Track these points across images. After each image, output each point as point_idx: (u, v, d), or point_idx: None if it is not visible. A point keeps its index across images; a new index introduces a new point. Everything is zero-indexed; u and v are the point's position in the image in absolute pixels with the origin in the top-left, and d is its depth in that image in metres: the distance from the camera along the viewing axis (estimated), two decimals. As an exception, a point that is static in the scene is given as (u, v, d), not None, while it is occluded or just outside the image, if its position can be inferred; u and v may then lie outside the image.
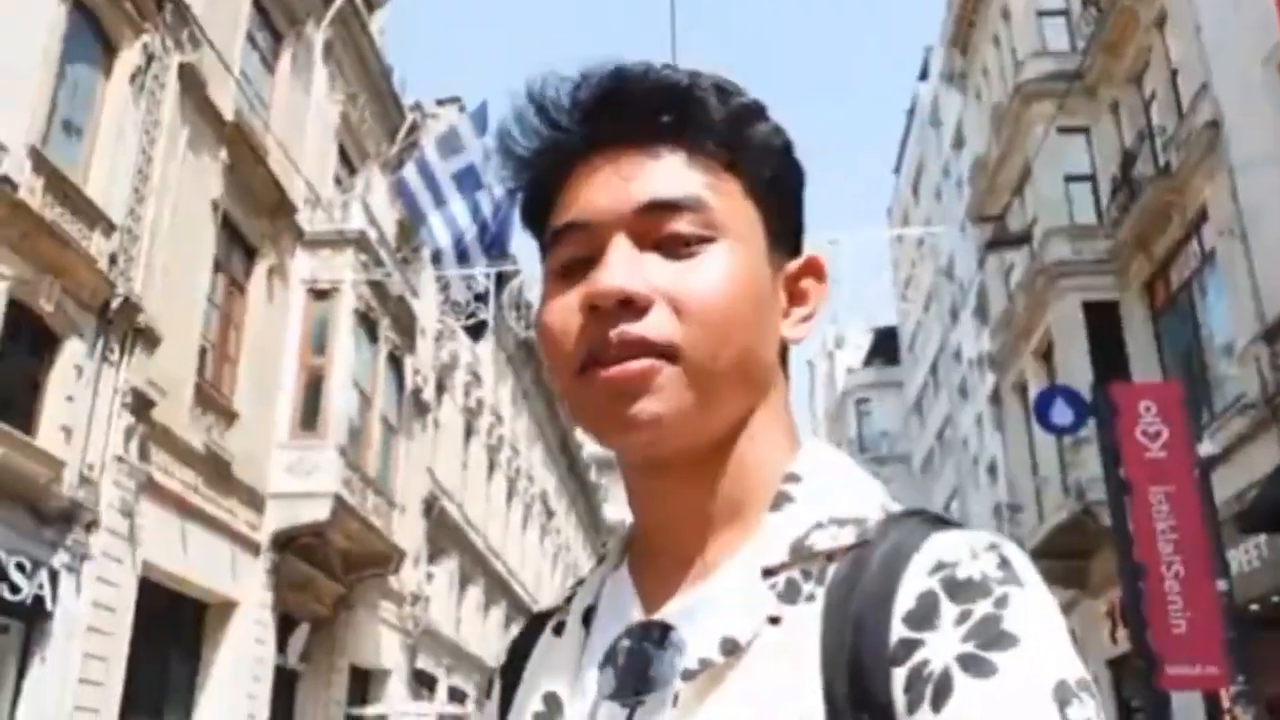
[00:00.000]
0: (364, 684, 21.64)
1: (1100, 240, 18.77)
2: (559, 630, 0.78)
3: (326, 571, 18.80)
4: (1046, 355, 20.21)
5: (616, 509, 68.22)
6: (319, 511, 17.25)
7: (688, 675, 0.65)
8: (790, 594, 0.65)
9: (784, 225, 0.75)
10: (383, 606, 22.08)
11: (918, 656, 0.59)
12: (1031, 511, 21.69)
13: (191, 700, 15.80)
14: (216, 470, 15.61)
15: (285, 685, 18.00)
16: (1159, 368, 17.15)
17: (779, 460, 0.72)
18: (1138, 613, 9.81)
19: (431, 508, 25.18)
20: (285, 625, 17.89)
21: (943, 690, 0.57)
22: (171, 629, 15.07)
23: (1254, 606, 12.84)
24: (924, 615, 0.60)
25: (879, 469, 48.64)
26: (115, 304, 13.01)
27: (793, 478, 0.71)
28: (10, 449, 11.13)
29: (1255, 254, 13.96)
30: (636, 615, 0.71)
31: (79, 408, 12.53)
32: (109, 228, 13.05)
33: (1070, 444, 17.25)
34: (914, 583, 0.62)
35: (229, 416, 16.22)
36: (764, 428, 0.72)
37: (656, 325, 0.67)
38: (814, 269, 0.77)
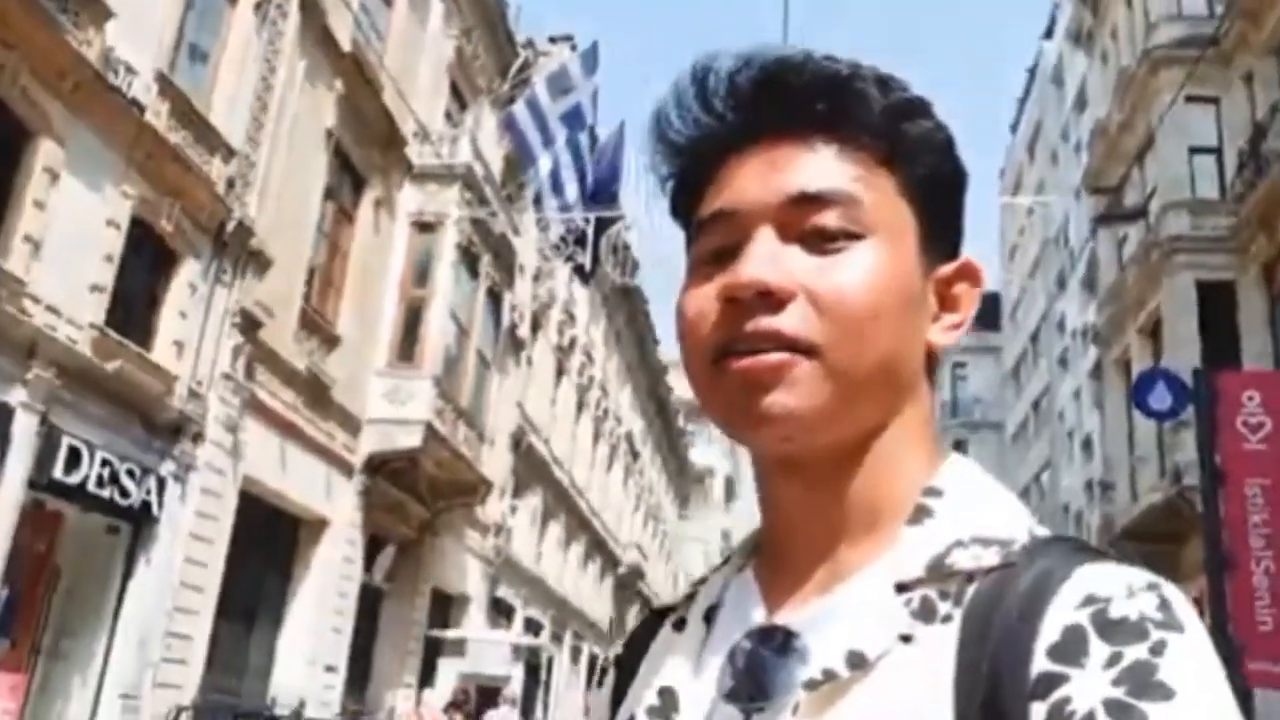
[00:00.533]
0: (445, 608, 22.32)
1: (1221, 216, 18.03)
2: (679, 626, 0.76)
3: (415, 497, 19.36)
4: (1154, 333, 19.60)
5: (703, 454, 68.50)
6: (412, 438, 17.74)
7: (811, 685, 0.63)
8: (925, 613, 0.63)
9: (939, 226, 0.72)
10: (467, 535, 22.68)
11: (1059, 693, 0.56)
12: (1125, 490, 21.21)
13: (282, 610, 16.52)
14: (316, 392, 16.15)
15: (370, 603, 18.68)
16: (1271, 355, 16.51)
17: (918, 472, 0.69)
18: (1220, 605, 9.59)
19: (519, 442, 25.67)
20: (373, 545, 18.52)
21: None
22: (267, 542, 15.73)
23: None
24: (1070, 650, 0.57)
25: (970, 434, 47.86)
26: (230, 227, 13.46)
27: (933, 491, 0.68)
28: (128, 361, 11.68)
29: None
30: (760, 618, 0.69)
31: (191, 325, 13.05)
32: (228, 153, 13.47)
33: (1170, 426, 16.75)
34: (1061, 614, 0.58)
35: (331, 341, 16.72)
36: (903, 436, 0.69)
37: (794, 320, 0.65)
38: (969, 274, 0.73)
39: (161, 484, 12.56)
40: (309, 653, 16.40)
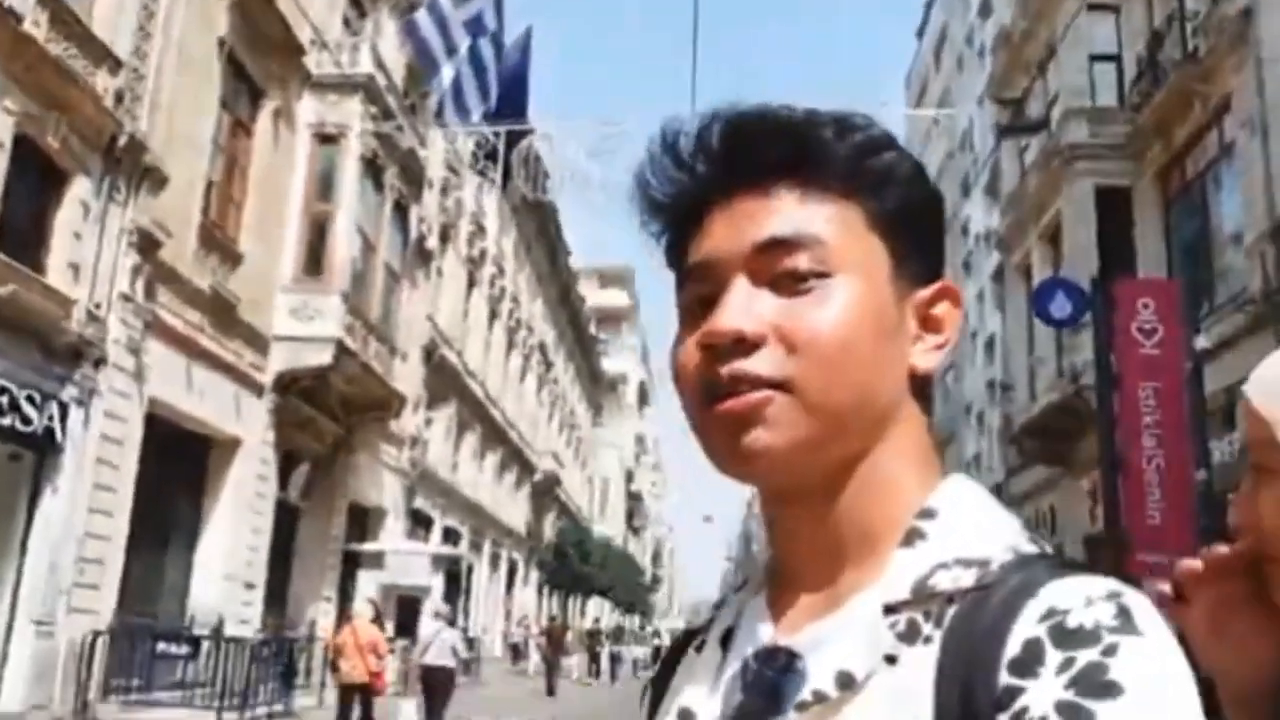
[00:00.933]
0: (362, 522, 22.34)
1: (1119, 124, 18.46)
2: (700, 649, 0.80)
3: (328, 413, 19.19)
4: (1054, 238, 20.14)
5: (615, 363, 68.89)
6: (321, 356, 17.50)
7: (801, 706, 0.67)
8: (910, 634, 0.65)
9: (913, 253, 0.74)
10: (382, 449, 22.61)
11: (1019, 703, 0.59)
12: (1024, 391, 21.98)
13: (197, 530, 16.37)
14: (221, 311, 15.77)
15: (286, 520, 18.60)
16: (1165, 258, 17.13)
17: (913, 493, 0.72)
18: (1113, 501, 10.10)
19: (432, 355, 25.50)
20: (287, 463, 18.37)
21: None
22: (178, 463, 15.50)
23: (1231, 495, 13.19)
24: (1028, 662, 0.59)
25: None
26: (121, 142, 12.90)
27: (928, 513, 0.70)
28: (20, 285, 11.24)
29: (1274, 149, 13.80)
30: (767, 639, 0.73)
31: (86, 246, 12.58)
32: (115, 65, 12.84)
33: (1069, 329, 17.36)
34: (1023, 629, 0.61)
35: (234, 259, 16.28)
36: (893, 459, 0.72)
37: (766, 361, 0.68)
38: (948, 294, 0.76)
39: (64, 410, 12.23)
40: (226, 571, 16.33)
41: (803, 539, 0.74)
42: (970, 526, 0.70)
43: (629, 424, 75.22)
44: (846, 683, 0.66)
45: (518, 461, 37.84)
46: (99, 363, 12.79)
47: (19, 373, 11.52)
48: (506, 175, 15.20)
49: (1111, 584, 0.62)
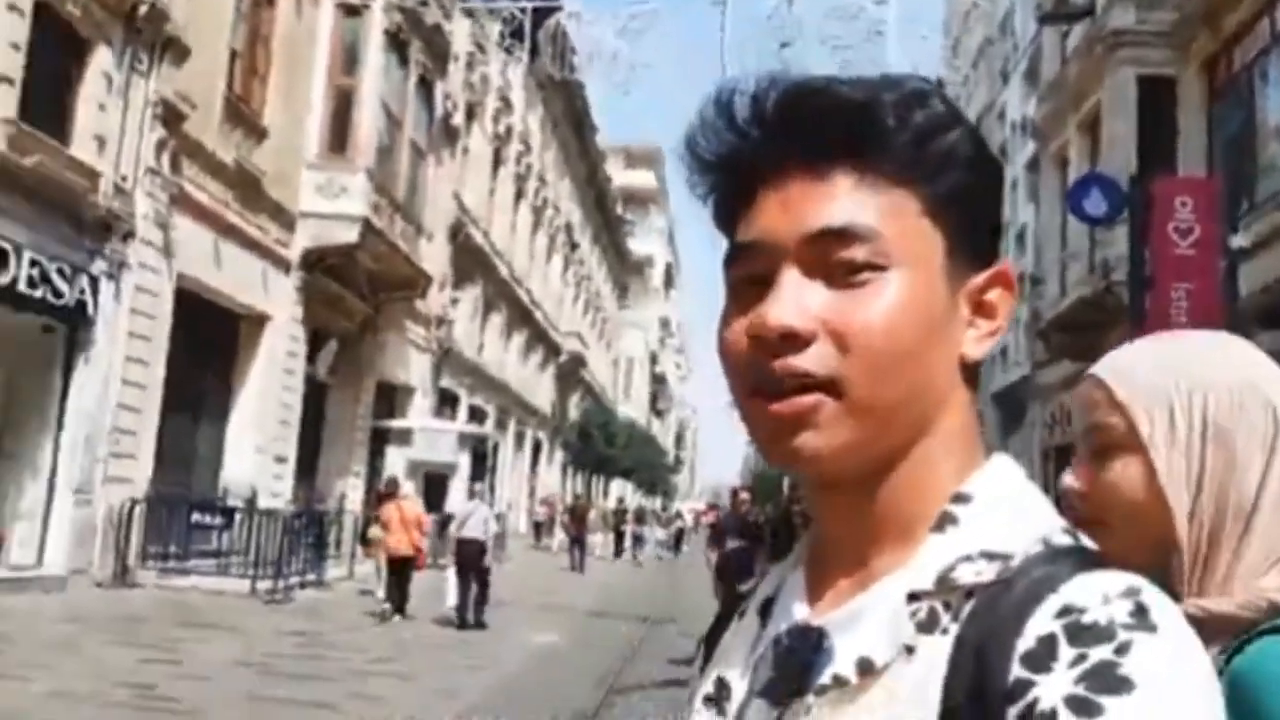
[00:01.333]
0: (390, 399, 22.66)
1: (1167, 11, 17.78)
2: (743, 615, 0.81)
3: (355, 291, 19.28)
4: (1093, 129, 19.63)
5: (642, 244, 68.51)
6: (348, 233, 17.50)
7: (820, 690, 0.68)
8: (929, 624, 0.66)
9: (969, 236, 0.72)
10: (409, 327, 22.77)
11: (1029, 696, 0.59)
12: (1055, 284, 21.76)
13: (228, 404, 16.66)
14: (247, 186, 15.72)
15: (315, 396, 18.88)
16: (1206, 153, 16.69)
17: (951, 479, 0.71)
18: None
19: (458, 234, 25.44)
20: (315, 340, 18.56)
21: None
22: (208, 338, 15.68)
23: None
24: (1041, 657, 0.60)
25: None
26: (142, 11, 12.68)
27: (962, 498, 0.70)
28: (46, 155, 11.23)
29: (1328, 40, 13.30)
30: (801, 615, 0.74)
31: (111, 118, 12.50)
32: (135, -72, 12.54)
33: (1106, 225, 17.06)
34: (1039, 625, 0.61)
35: (259, 133, 16.15)
36: (936, 449, 0.72)
37: (818, 359, 0.67)
38: (1002, 280, 0.74)
39: (95, 283, 12.35)
40: (257, 444, 16.67)
41: (843, 521, 0.73)
42: (1002, 515, 0.69)
43: (654, 306, 75.24)
44: (866, 668, 0.66)
45: (543, 342, 38.05)
46: (127, 236, 12.85)
47: (49, 245, 11.60)
48: (533, 52, 14.89)
49: (1131, 580, 0.62)
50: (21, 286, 11.20)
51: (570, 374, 43.41)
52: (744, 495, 11.44)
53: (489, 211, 28.85)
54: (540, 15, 14.57)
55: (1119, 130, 17.88)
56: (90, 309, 12.30)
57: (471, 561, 12.82)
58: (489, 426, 30.05)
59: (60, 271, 11.75)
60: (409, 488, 13.50)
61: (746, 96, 0.73)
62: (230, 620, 11.25)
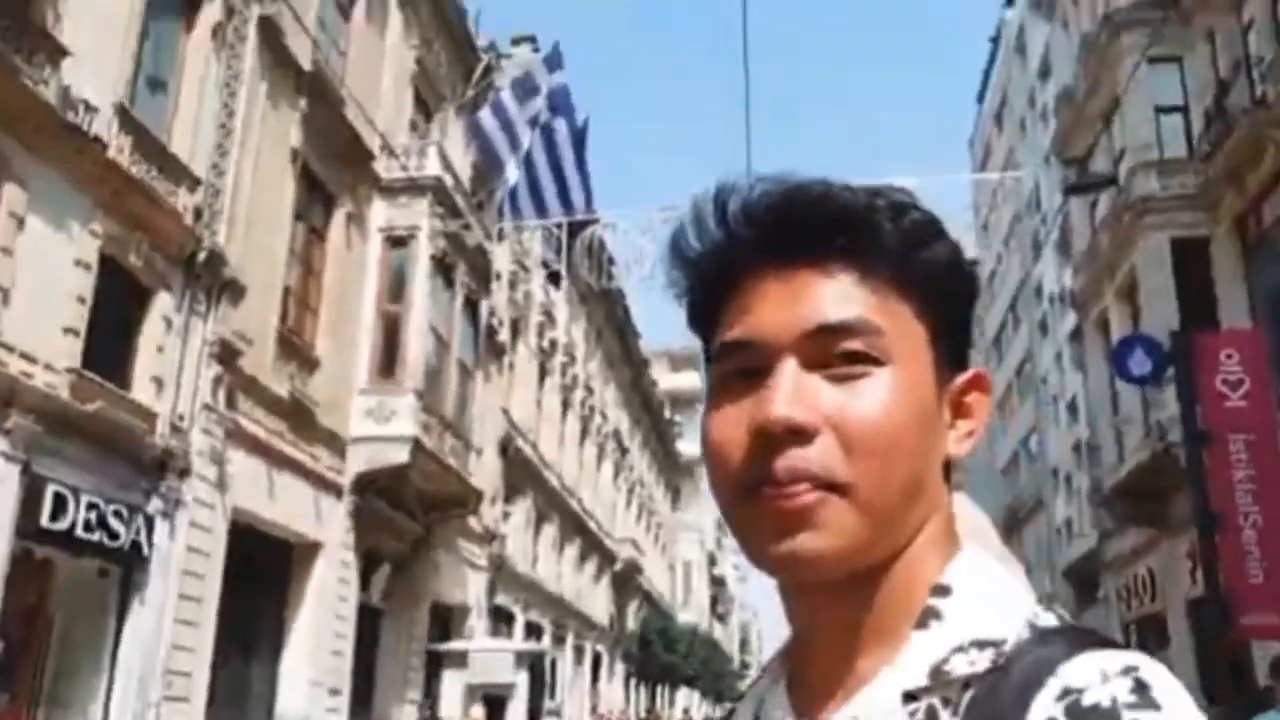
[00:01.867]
0: (445, 620, 22.26)
1: (1190, 175, 18.13)
2: None
3: (406, 512, 19.28)
4: (1130, 294, 19.70)
5: (691, 445, 68.53)
6: (399, 455, 17.65)
7: None
8: None
9: (951, 341, 0.74)
10: (461, 545, 22.62)
11: None
12: (1111, 451, 21.33)
13: (281, 637, 16.42)
14: (300, 416, 16.03)
15: (369, 622, 18.60)
16: (1247, 308, 16.62)
17: (932, 573, 0.71)
18: (1212, 563, 9.66)
19: (507, 448, 25.60)
20: (368, 564, 18.44)
21: None
22: (261, 570, 15.62)
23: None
24: None
25: (955, 406, 48.12)
26: (201, 257, 13.32)
27: (942, 590, 0.70)
28: (107, 401, 11.55)
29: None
30: None
31: (169, 359, 12.92)
32: (194, 182, 13.32)
33: (1154, 386, 16.86)
34: (1039, 710, 0.60)
35: (311, 364, 16.60)
36: (925, 545, 0.72)
37: (822, 456, 0.67)
38: (979, 384, 0.76)
39: (150, 522, 12.44)
40: (311, 677, 16.32)
41: (824, 625, 0.73)
42: (984, 602, 0.69)
43: (709, 507, 74.48)
44: None
45: (597, 551, 37.59)
46: (183, 473, 13.03)
47: (106, 487, 11.77)
48: (571, 265, 15.38)
49: (1129, 658, 0.61)
50: (79, 531, 11.29)
51: (627, 582, 42.65)
52: None
53: (537, 423, 29.13)
54: (576, 228, 15.10)
55: (1157, 292, 17.93)
56: (145, 549, 12.34)
57: None
58: (546, 642, 29.33)
59: (117, 513, 11.86)
60: (478, 711, 13.48)
61: (740, 197, 0.74)
62: None
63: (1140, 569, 21.63)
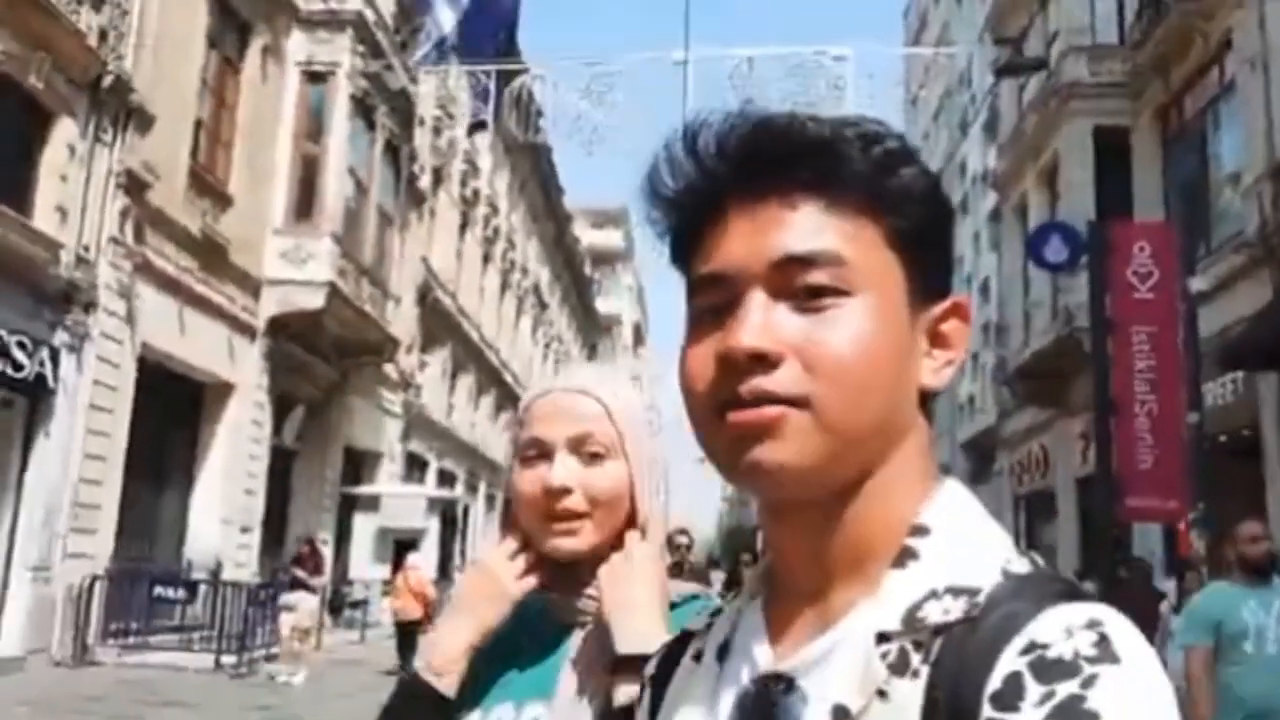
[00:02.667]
0: (358, 465, 22.40)
1: (1119, 63, 18.23)
2: (698, 658, 0.80)
3: (321, 356, 19.13)
4: (1051, 179, 20.00)
5: (610, 304, 68.72)
6: (314, 299, 17.41)
7: None
8: (900, 666, 0.65)
9: (926, 269, 0.73)
10: (377, 392, 22.60)
11: None
12: (1019, 332, 21.99)
13: (192, 475, 16.40)
14: (212, 254, 15.64)
15: (282, 464, 18.64)
16: (1162, 199, 17.01)
17: (909, 509, 0.71)
18: (1106, 447, 10.13)
19: (426, 297, 25.38)
20: (282, 407, 18.36)
21: None
22: (172, 408, 15.47)
23: (1222, 438, 13.28)
24: (1009, 696, 0.60)
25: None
26: (106, 82, 12.69)
27: (920, 530, 0.70)
28: (6, 228, 11.12)
29: (1275, 87, 13.64)
30: (764, 658, 0.73)
31: (73, 189, 12.43)
32: (98, 1, 12.58)
33: (1065, 271, 17.31)
34: (1005, 664, 0.61)
35: (224, 201, 16.11)
36: (895, 475, 0.72)
37: (786, 379, 0.67)
38: (958, 312, 0.75)
39: (55, 355, 12.17)
40: (223, 514, 16.40)
41: (799, 551, 0.73)
42: (961, 547, 0.69)
43: (624, 365, 75.28)
44: (842, 716, 0.65)
45: (512, 403, 37.84)
46: (89, 307, 12.70)
47: (9, 318, 11.44)
48: (498, 115, 15.01)
49: (1093, 612, 0.62)
50: (-21, 360, 11.03)
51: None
52: (681, 539, 10.20)
53: (457, 274, 28.85)
54: (505, 78, 14.69)
55: (1076, 179, 18.22)
56: (51, 381, 12.10)
57: None
58: (459, 490, 29.76)
59: (20, 344, 11.56)
60: (413, 558, 15.47)
61: (712, 131, 0.74)
62: (194, 697, 10.95)
63: (1034, 446, 22.61)
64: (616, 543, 1.23)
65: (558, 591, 1.24)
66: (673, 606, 1.21)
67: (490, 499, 36.04)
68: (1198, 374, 11.28)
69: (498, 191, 33.56)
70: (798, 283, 0.69)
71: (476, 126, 15.35)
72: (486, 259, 32.79)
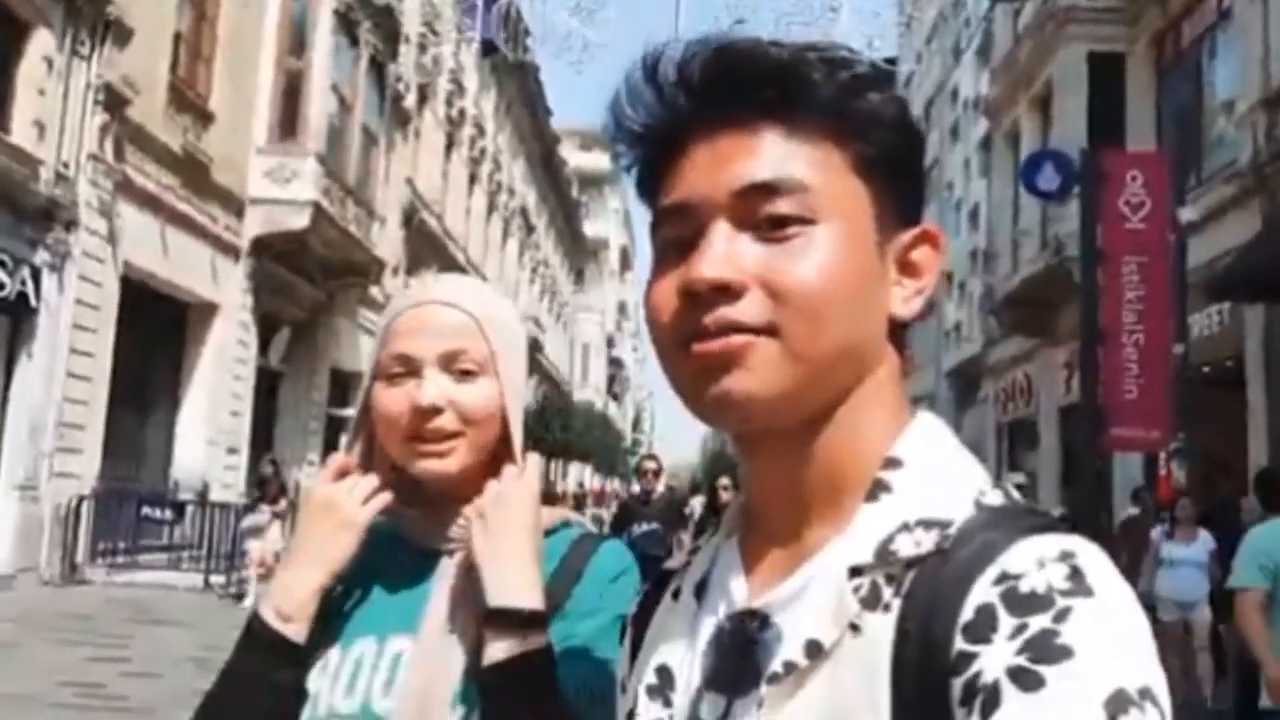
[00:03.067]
0: (345, 387, 22.36)
1: (1116, -13, 17.95)
2: (677, 596, 0.79)
3: (307, 278, 18.99)
4: (1044, 105, 19.80)
5: (597, 227, 68.31)
6: (298, 220, 17.21)
7: (773, 679, 0.66)
8: (872, 600, 0.65)
9: (895, 196, 0.72)
10: (363, 314, 22.49)
11: (972, 669, 0.59)
12: (1007, 260, 21.97)
13: (178, 395, 16.36)
14: (194, 172, 15.40)
15: (267, 385, 18.60)
16: (1155, 128, 16.89)
17: (881, 440, 0.70)
18: (1092, 376, 10.17)
19: (411, 219, 25.14)
20: (267, 328, 18.27)
21: (990, 703, 0.57)
22: (155, 329, 15.37)
23: (1205, 369, 13.37)
24: (981, 628, 0.59)
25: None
26: (82, -8, 12.36)
27: (893, 463, 0.69)
28: (-17, 144, 10.91)
29: (1273, 15, 13.46)
30: (740, 595, 0.72)
31: (51, 103, 12.17)
32: (71, -93, 12.19)
33: (1058, 200, 17.24)
34: (977, 595, 0.60)
35: (205, 118, 15.82)
36: (865, 406, 0.71)
37: (751, 309, 0.67)
38: (929, 238, 0.74)
39: (37, 274, 12.03)
40: (208, 435, 16.40)
41: (773, 486, 0.73)
42: (934, 478, 0.68)
43: (611, 289, 75.10)
44: (814, 651, 0.65)
45: (499, 327, 37.79)
46: (70, 225, 12.53)
47: (-12, 236, 11.28)
48: (486, 32, 14.71)
49: (1066, 543, 0.61)
50: (-41, 278, 10.89)
51: (527, 359, 43.24)
52: (649, 465, 9.70)
53: (443, 195, 28.56)
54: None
55: (1070, 106, 18.04)
56: (33, 300, 11.98)
57: None
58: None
59: (1, 263, 11.43)
60: None
61: (673, 61, 0.72)
62: (182, 616, 11.04)
63: (1019, 375, 22.74)
64: (488, 464, 1.15)
65: (423, 513, 1.16)
66: (547, 534, 1.15)
67: (476, 422, 36.16)
68: (1185, 305, 11.31)
69: (484, 112, 33.08)
70: (761, 212, 0.68)
71: (488, 48, 15.02)
72: (473, 180, 32.45)
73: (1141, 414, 10.20)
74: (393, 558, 1.16)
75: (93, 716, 6.75)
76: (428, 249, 27.30)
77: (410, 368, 1.14)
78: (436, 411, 1.12)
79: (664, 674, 0.75)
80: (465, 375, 1.14)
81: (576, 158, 62.16)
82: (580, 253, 62.36)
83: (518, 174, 40.05)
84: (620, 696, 0.83)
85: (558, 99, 46.26)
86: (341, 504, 1.14)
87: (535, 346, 43.29)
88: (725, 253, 0.67)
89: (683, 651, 0.75)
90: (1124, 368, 10.37)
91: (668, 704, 0.74)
